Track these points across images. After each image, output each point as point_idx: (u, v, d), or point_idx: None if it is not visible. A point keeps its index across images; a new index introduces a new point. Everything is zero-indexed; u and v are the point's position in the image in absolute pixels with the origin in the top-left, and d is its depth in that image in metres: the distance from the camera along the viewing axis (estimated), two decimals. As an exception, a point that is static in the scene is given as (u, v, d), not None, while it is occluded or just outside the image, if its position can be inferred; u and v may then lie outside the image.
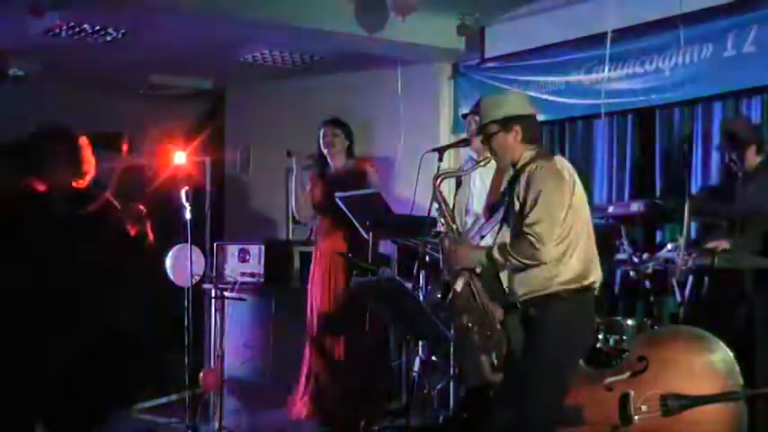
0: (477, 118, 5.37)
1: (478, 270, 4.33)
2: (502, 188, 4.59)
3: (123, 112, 8.41)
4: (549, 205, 4.07)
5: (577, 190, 4.20)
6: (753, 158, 5.39)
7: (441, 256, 4.55)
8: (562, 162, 4.25)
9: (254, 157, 9.08)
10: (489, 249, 4.23)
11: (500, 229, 4.43)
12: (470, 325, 4.34)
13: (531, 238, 4.05)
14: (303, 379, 6.32)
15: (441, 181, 4.55)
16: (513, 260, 4.12)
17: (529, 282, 4.17)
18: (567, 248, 4.12)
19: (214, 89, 9.14)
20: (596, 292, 4.25)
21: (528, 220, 4.08)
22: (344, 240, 6.20)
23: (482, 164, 4.64)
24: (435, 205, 4.53)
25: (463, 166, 5.47)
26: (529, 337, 4.20)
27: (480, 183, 5.50)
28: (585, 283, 4.16)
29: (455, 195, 5.47)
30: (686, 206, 5.03)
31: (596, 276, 4.22)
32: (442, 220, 4.51)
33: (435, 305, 5.31)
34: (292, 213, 7.02)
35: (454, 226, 4.48)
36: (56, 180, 4.46)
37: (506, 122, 4.22)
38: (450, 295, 4.36)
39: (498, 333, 4.30)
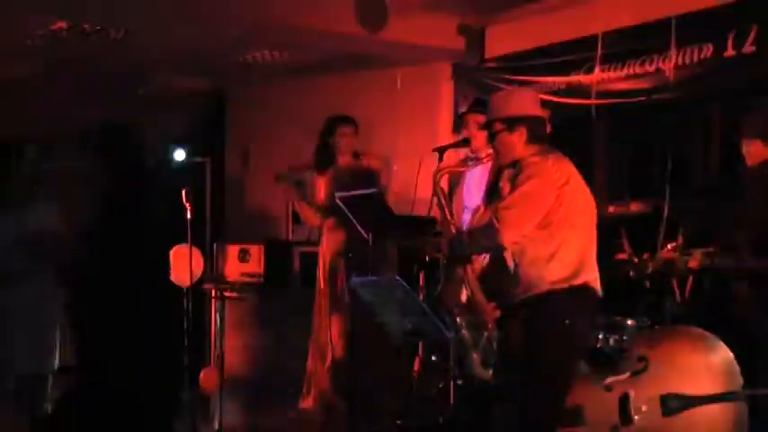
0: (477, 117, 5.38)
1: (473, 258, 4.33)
2: (500, 185, 4.58)
3: (123, 112, 8.41)
4: (525, 196, 4.05)
5: (570, 189, 4.12)
6: (759, 154, 5.37)
7: (441, 254, 4.56)
8: (559, 162, 4.19)
9: (254, 157, 9.08)
10: (459, 232, 4.24)
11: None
12: (460, 321, 4.36)
13: (495, 220, 4.05)
14: (307, 376, 6.30)
15: (441, 176, 4.58)
16: (475, 241, 4.14)
17: (522, 282, 4.16)
18: (556, 247, 4.10)
19: (214, 89, 9.14)
20: (598, 292, 4.22)
21: (500, 204, 4.08)
22: (347, 240, 6.19)
23: (483, 161, 4.64)
24: (435, 199, 4.53)
25: (464, 163, 5.48)
26: (526, 338, 4.20)
27: (480, 180, 5.50)
28: (576, 282, 4.12)
29: (453, 193, 5.47)
30: (665, 207, 5.04)
31: (590, 276, 4.17)
32: (442, 213, 4.51)
33: (432, 297, 5.33)
34: (294, 211, 6.99)
35: (452, 220, 4.49)
36: None
37: (512, 122, 4.19)
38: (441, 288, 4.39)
39: (490, 331, 4.31)
